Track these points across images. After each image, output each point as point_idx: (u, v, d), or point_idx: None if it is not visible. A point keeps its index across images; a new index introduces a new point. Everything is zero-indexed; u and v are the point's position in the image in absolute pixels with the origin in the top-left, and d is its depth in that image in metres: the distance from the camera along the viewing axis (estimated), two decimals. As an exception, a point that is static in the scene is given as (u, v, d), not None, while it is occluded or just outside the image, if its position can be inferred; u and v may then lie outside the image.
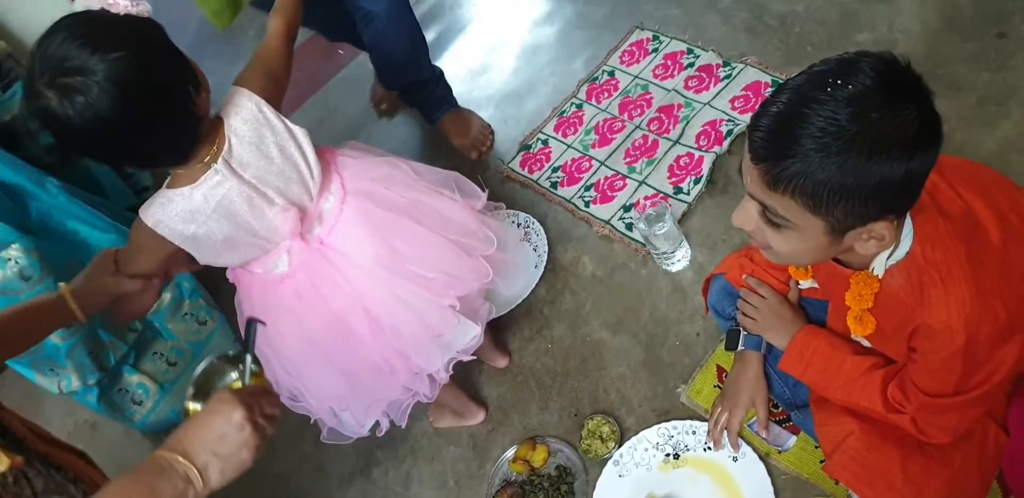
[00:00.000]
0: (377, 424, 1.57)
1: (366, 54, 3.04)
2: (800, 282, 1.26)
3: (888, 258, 0.99)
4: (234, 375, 1.06)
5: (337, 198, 1.40)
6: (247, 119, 1.28)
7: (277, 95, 1.35)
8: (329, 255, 1.39)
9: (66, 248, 1.92)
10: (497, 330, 1.91)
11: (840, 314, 1.17)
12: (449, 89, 2.35)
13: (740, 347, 1.39)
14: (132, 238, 1.31)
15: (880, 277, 1.02)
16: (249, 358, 1.04)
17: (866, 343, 1.19)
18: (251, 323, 1.09)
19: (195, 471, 0.87)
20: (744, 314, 1.37)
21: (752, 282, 1.37)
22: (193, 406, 1.05)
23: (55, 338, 1.82)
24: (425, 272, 1.44)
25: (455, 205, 1.53)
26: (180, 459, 0.87)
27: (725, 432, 1.47)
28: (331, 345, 1.44)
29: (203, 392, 1.02)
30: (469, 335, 1.52)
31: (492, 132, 2.39)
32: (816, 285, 1.25)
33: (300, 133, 1.33)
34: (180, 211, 1.25)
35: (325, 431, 1.59)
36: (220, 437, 0.90)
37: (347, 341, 1.44)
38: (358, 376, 1.48)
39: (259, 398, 0.96)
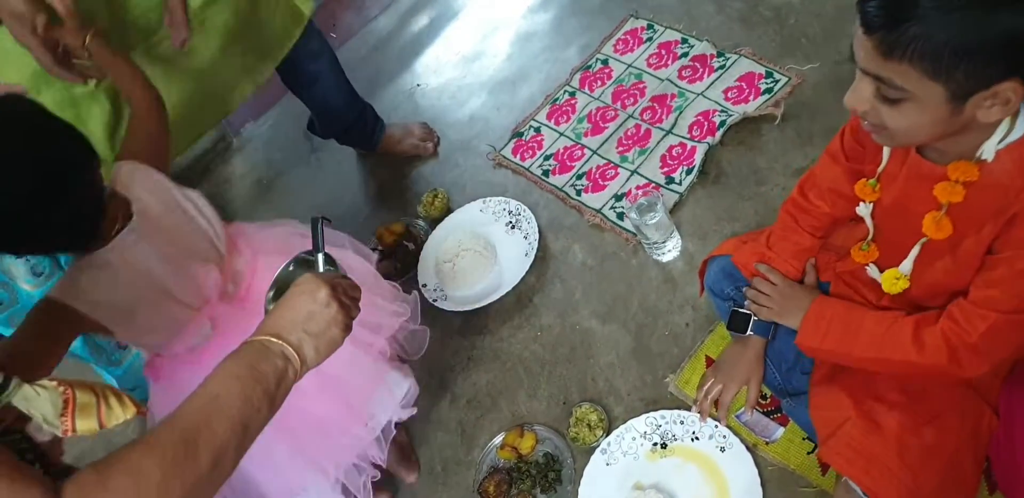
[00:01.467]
0: None
1: (359, 38, 3.00)
2: (861, 203, 1.20)
3: (1000, 142, 0.95)
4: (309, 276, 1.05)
5: (247, 258, 1.37)
6: (145, 187, 1.23)
7: (160, 161, 1.31)
8: (253, 310, 1.27)
9: None
10: (406, 440, 1.81)
11: (905, 228, 1.11)
12: (374, 110, 2.32)
13: (748, 332, 1.36)
14: None
15: (989, 161, 0.96)
16: (321, 256, 1.07)
17: (906, 269, 1.13)
18: (316, 221, 1.10)
19: (290, 349, 0.89)
20: (757, 303, 1.33)
21: (763, 269, 1.34)
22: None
23: (27, 286, 1.75)
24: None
25: (357, 258, 1.54)
26: (274, 339, 0.88)
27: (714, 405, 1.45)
28: None
29: (282, 293, 1.00)
30: (404, 386, 1.50)
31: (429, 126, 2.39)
32: (868, 218, 1.19)
33: (195, 194, 1.32)
34: (98, 278, 1.15)
35: None
36: (308, 316, 0.92)
37: (291, 397, 1.35)
38: (301, 436, 1.36)
39: (339, 280, 0.98)
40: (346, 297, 0.96)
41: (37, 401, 0.70)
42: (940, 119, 0.90)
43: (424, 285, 2.04)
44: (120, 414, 0.75)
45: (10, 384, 0.69)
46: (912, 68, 0.84)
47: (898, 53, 0.83)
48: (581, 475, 1.56)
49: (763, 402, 1.48)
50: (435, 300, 1.99)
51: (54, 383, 0.72)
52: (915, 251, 1.12)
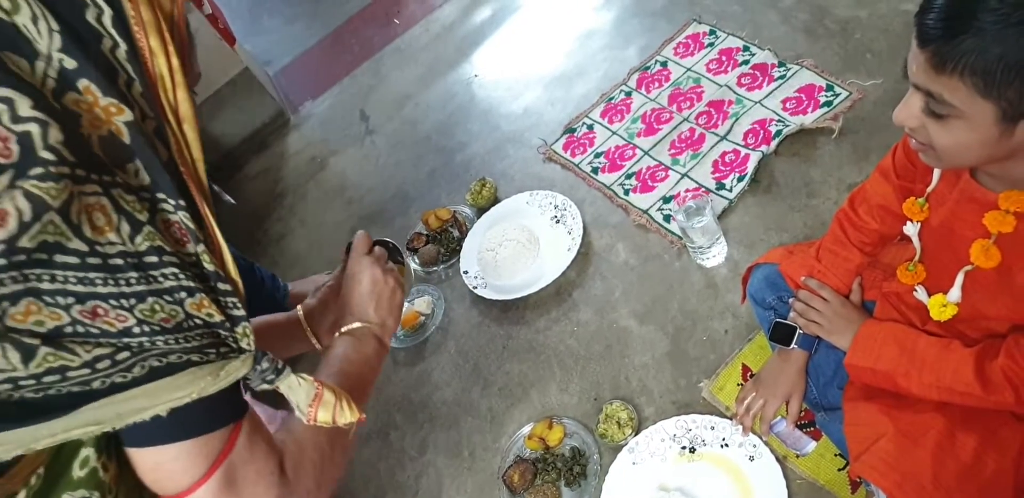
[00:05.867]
0: None
1: (422, 25, 2.97)
2: (909, 222, 1.14)
3: None
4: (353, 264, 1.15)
5: None
6: None
7: None
8: None
9: None
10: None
11: (952, 251, 1.06)
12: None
13: (792, 345, 1.32)
14: None
15: None
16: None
17: (954, 298, 1.07)
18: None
19: (378, 328, 1.04)
20: (806, 318, 1.28)
21: (813, 284, 1.29)
22: None
23: None
24: None
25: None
26: (368, 328, 1.03)
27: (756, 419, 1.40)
28: None
29: None
30: None
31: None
32: (916, 238, 1.13)
33: None
34: None
35: None
36: (377, 296, 1.06)
37: None
38: None
39: (378, 255, 1.12)
40: (388, 264, 1.11)
41: (297, 390, 0.80)
42: (988, 141, 0.84)
43: (466, 272, 2.01)
44: (348, 416, 0.85)
45: (284, 371, 0.78)
46: (963, 84, 0.79)
47: (949, 67, 0.78)
48: (606, 471, 1.52)
49: (797, 415, 1.43)
50: (475, 287, 1.96)
51: (311, 378, 0.82)
52: (960, 278, 1.07)
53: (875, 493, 1.24)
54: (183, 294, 0.66)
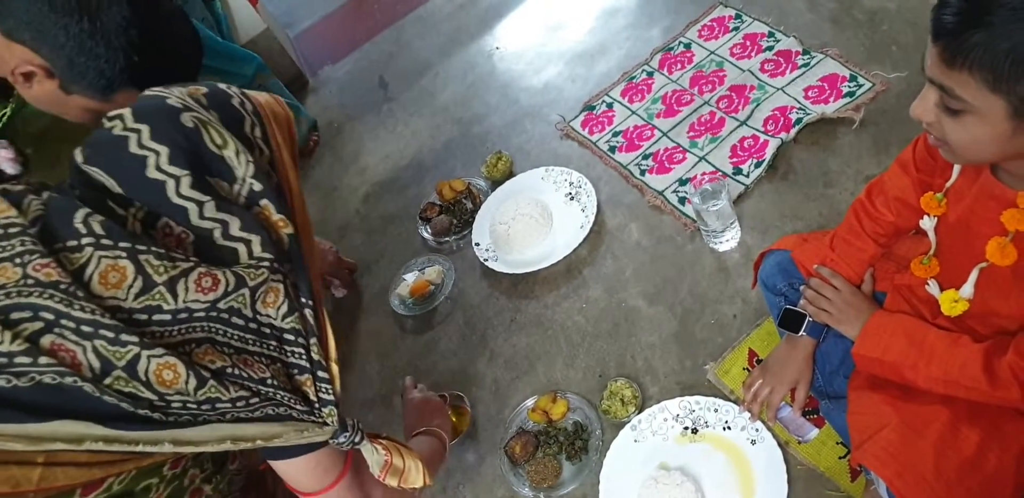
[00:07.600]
0: None
1: (445, -6, 2.88)
2: (925, 216, 1.12)
3: None
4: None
5: None
6: None
7: None
8: None
9: None
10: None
11: (967, 247, 1.04)
12: None
13: (801, 333, 1.30)
14: None
15: None
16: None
17: (966, 294, 1.05)
18: None
19: (438, 431, 1.41)
20: (816, 306, 1.27)
21: (825, 272, 1.27)
22: None
23: None
24: None
25: None
26: (429, 430, 1.40)
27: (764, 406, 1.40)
28: None
29: None
30: None
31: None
32: (932, 233, 1.12)
33: None
34: None
35: None
36: (430, 412, 1.49)
37: None
38: None
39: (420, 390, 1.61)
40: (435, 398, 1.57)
41: (372, 457, 0.95)
42: (1001, 136, 0.82)
43: (477, 244, 1.99)
44: (416, 480, 0.99)
45: (361, 443, 0.92)
46: (972, 78, 0.77)
47: (959, 61, 0.76)
48: (608, 447, 1.52)
49: (802, 402, 1.42)
50: (486, 259, 1.94)
51: (384, 451, 0.96)
52: (974, 275, 1.05)
53: (875, 482, 1.24)
54: (295, 370, 0.85)
